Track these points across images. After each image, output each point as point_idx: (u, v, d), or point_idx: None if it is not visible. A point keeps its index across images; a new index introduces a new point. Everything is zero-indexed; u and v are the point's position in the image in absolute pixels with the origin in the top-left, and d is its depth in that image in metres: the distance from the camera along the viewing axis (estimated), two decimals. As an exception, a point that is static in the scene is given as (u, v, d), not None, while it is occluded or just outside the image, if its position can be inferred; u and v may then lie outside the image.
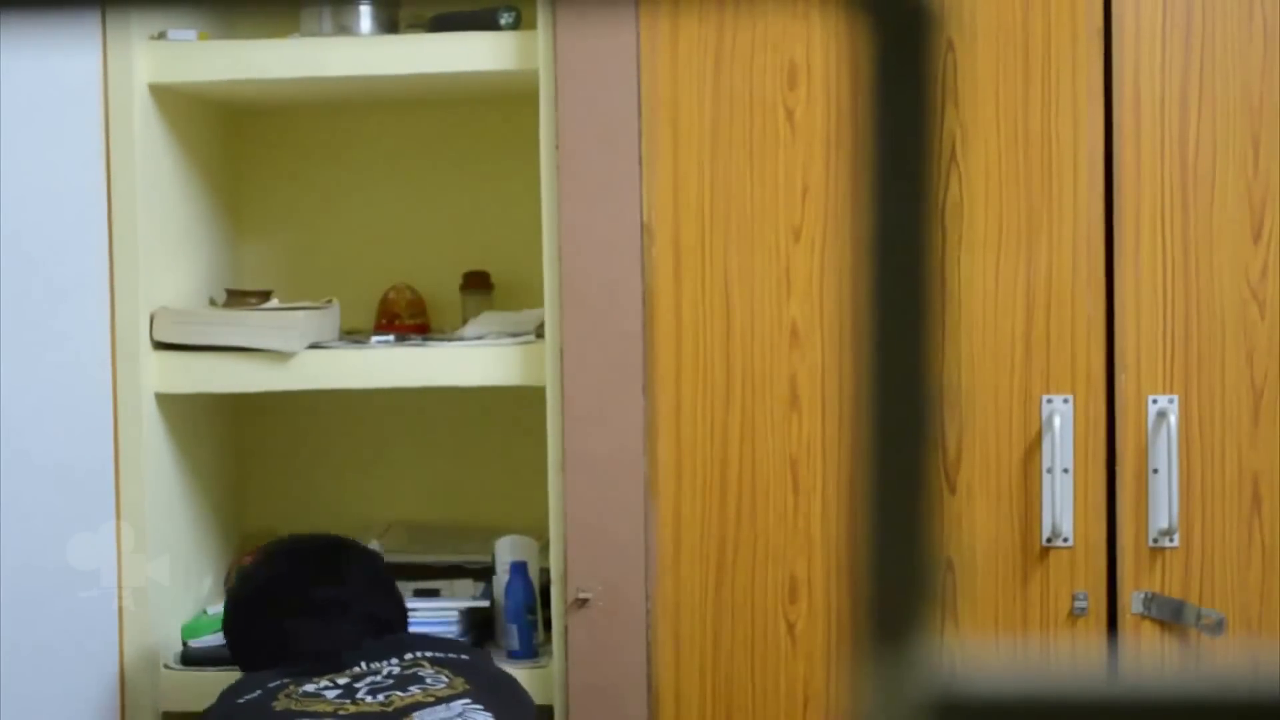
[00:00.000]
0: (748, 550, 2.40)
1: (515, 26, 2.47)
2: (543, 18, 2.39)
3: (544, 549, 2.53)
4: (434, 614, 2.51)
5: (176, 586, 2.57)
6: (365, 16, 2.54)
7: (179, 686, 2.52)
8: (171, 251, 2.62)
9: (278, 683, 2.19)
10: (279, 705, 2.13)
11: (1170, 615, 2.34)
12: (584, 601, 2.39)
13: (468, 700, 2.16)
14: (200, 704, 2.27)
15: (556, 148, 2.39)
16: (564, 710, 2.42)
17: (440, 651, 2.27)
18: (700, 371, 2.40)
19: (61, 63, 2.38)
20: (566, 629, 2.40)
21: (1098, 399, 2.36)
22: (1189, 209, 2.35)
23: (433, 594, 2.54)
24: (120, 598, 2.41)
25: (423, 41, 2.51)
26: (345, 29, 2.53)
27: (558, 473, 2.41)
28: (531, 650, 2.52)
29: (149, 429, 2.50)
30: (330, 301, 2.64)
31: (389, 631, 2.33)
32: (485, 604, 2.56)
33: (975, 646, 2.32)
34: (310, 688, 2.17)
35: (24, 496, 2.24)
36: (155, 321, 2.52)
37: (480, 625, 2.57)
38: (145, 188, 2.51)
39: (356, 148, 2.89)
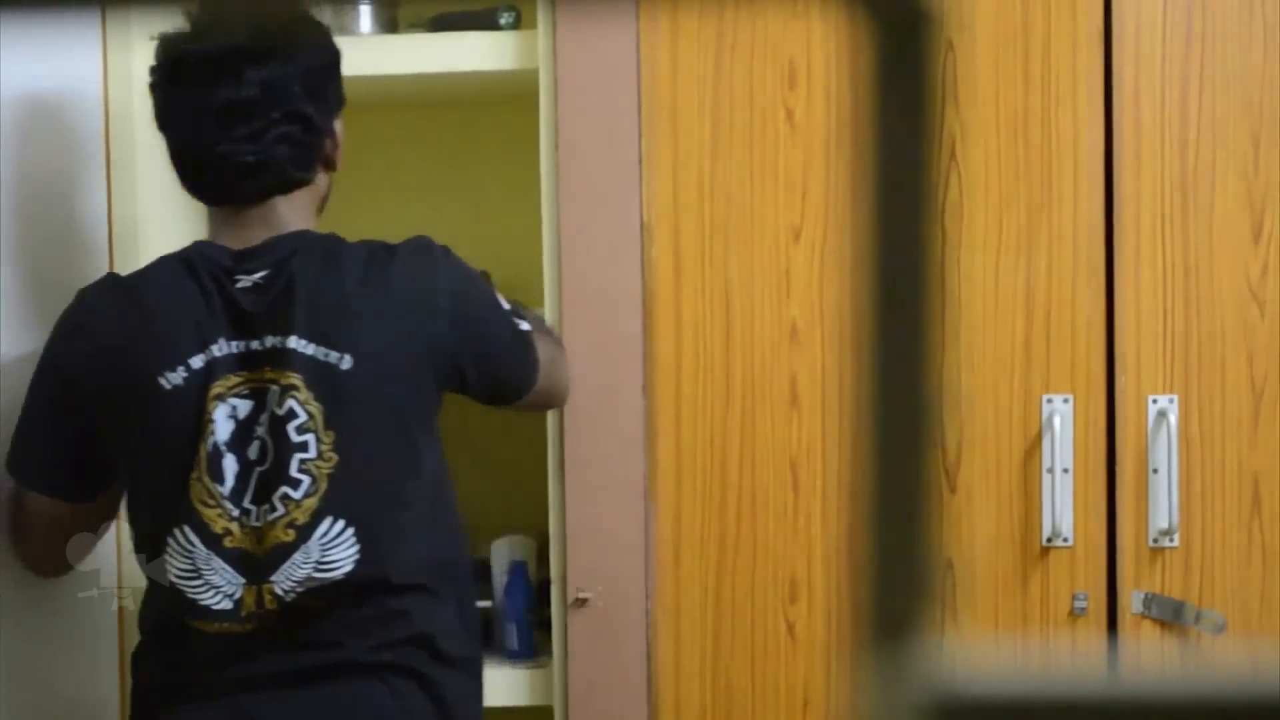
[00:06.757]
0: (748, 550, 2.40)
1: (515, 26, 2.47)
2: (543, 18, 2.39)
3: (542, 549, 2.52)
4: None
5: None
6: (365, 16, 2.54)
7: None
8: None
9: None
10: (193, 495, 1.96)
11: (1170, 615, 2.35)
12: (584, 601, 2.39)
13: (331, 518, 1.97)
14: None
15: (556, 148, 2.39)
16: (564, 710, 2.42)
17: (323, 347, 1.99)
18: (700, 371, 2.40)
19: (62, 62, 2.38)
20: (566, 629, 2.41)
21: (1098, 399, 2.36)
22: (1189, 209, 2.36)
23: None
24: (120, 597, 2.41)
25: (423, 41, 2.51)
26: (345, 29, 2.53)
27: (557, 473, 2.41)
28: (531, 650, 2.52)
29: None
30: (330, 301, 2.63)
31: (318, 142, 2.09)
32: (487, 604, 2.56)
33: (975, 646, 2.32)
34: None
35: (24, 496, 2.24)
36: (155, 321, 2.52)
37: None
38: (145, 188, 2.51)
39: (356, 147, 2.88)
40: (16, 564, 2.19)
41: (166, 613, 2.03)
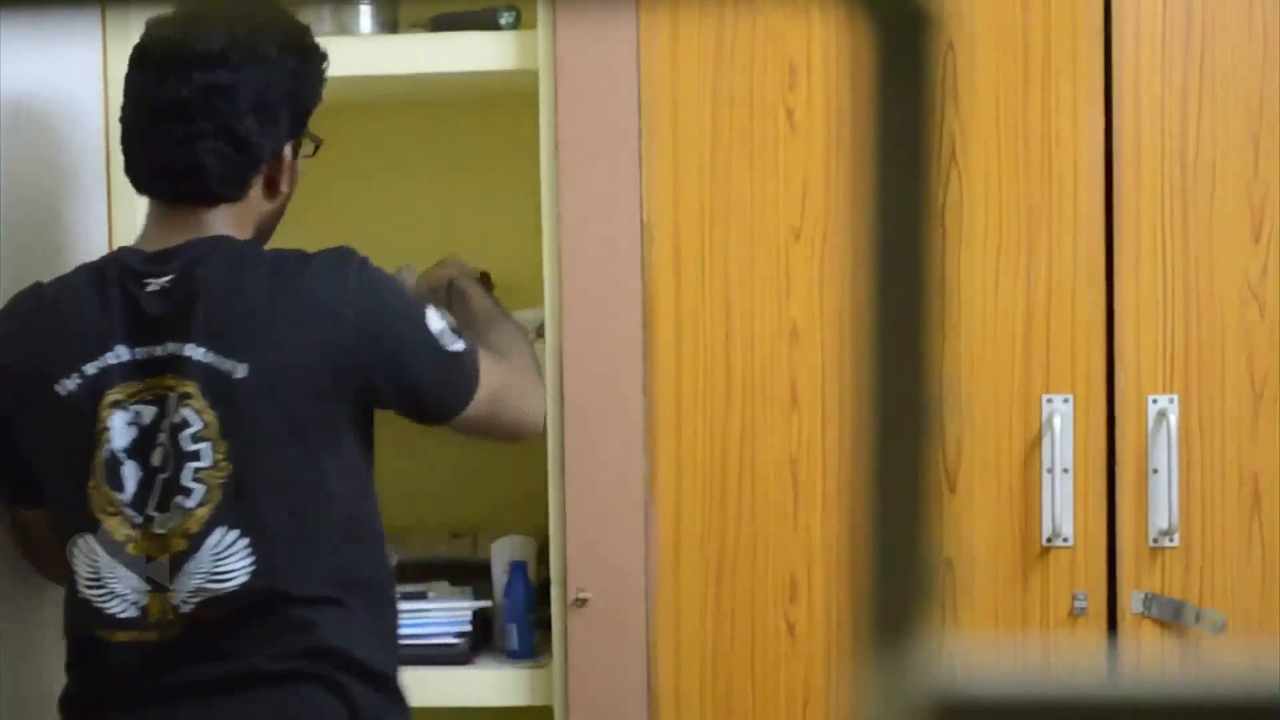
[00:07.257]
0: (748, 550, 2.40)
1: (515, 26, 2.47)
2: (543, 18, 2.39)
3: (542, 549, 2.52)
4: (442, 614, 2.50)
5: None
6: (365, 16, 2.54)
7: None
8: (171, 251, 2.62)
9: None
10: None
11: (1170, 615, 2.34)
12: (584, 601, 2.39)
13: (224, 529, 1.95)
14: None
15: (556, 148, 2.39)
16: (564, 710, 2.42)
17: (215, 352, 1.96)
18: (700, 371, 2.40)
19: (61, 64, 2.38)
20: (566, 629, 2.40)
21: (1098, 399, 2.36)
22: (1189, 209, 2.35)
23: (419, 596, 2.52)
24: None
25: (423, 41, 2.51)
26: (345, 29, 2.53)
27: (557, 473, 2.41)
28: (531, 650, 2.52)
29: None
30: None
31: (253, 162, 2.03)
32: (487, 604, 2.56)
33: (975, 646, 2.32)
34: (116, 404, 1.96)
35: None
36: (155, 321, 2.52)
37: (479, 625, 2.57)
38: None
39: (356, 148, 2.89)
40: (24, 567, 2.20)
41: (78, 623, 2.02)
